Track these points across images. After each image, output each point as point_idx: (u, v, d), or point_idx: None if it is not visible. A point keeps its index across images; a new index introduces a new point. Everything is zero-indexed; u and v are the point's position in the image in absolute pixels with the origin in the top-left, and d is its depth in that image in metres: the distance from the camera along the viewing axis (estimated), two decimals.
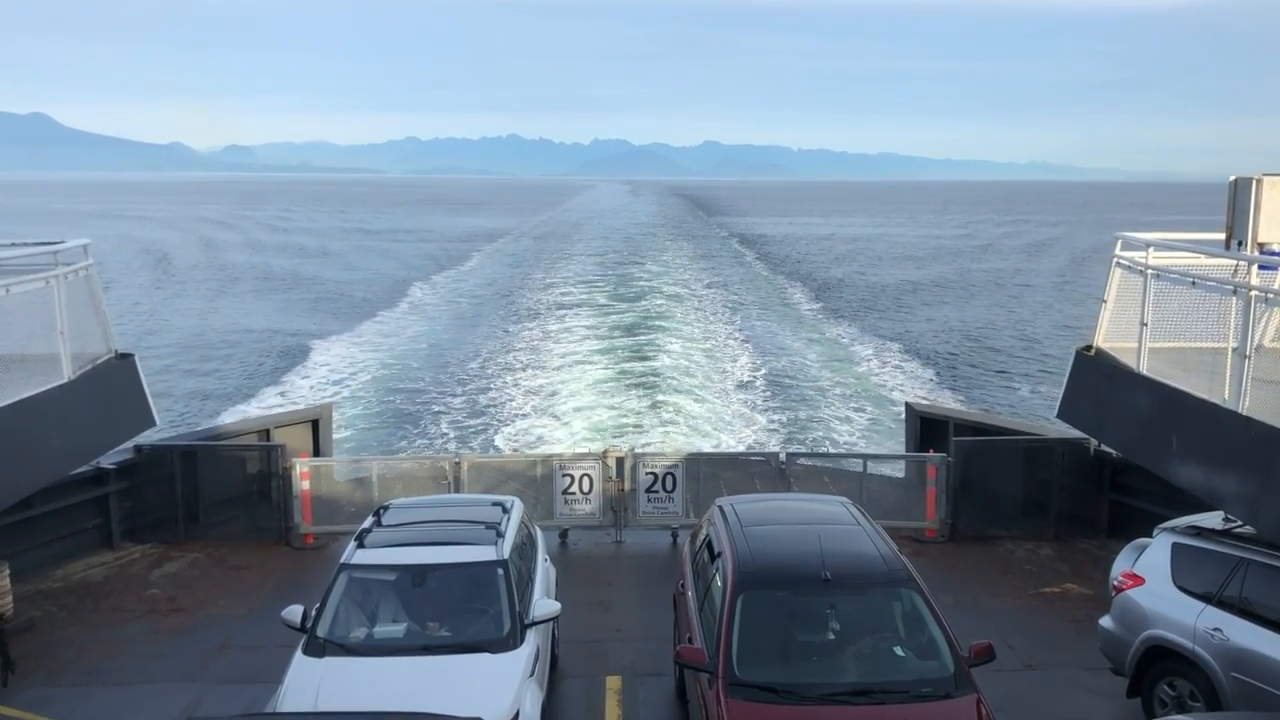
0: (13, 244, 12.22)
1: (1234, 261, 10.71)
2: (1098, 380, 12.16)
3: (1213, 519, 10.08)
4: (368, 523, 10.66)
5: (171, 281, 72.26)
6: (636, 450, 18.11)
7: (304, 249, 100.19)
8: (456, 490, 15.68)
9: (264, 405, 33.76)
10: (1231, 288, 9.67)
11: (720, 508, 10.69)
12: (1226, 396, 9.13)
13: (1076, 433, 14.77)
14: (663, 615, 11.99)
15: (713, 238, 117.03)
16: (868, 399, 35.96)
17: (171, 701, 10.76)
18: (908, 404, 21.52)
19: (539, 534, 12.22)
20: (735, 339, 46.86)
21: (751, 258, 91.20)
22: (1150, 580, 10.07)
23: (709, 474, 16.34)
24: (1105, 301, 12.26)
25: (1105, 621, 10.55)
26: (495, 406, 33.94)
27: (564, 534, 16.10)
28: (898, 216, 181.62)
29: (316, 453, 17.97)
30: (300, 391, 36.49)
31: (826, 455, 23.33)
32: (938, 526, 15.90)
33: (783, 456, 16.60)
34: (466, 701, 7.82)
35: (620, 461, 16.12)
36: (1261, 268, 9.85)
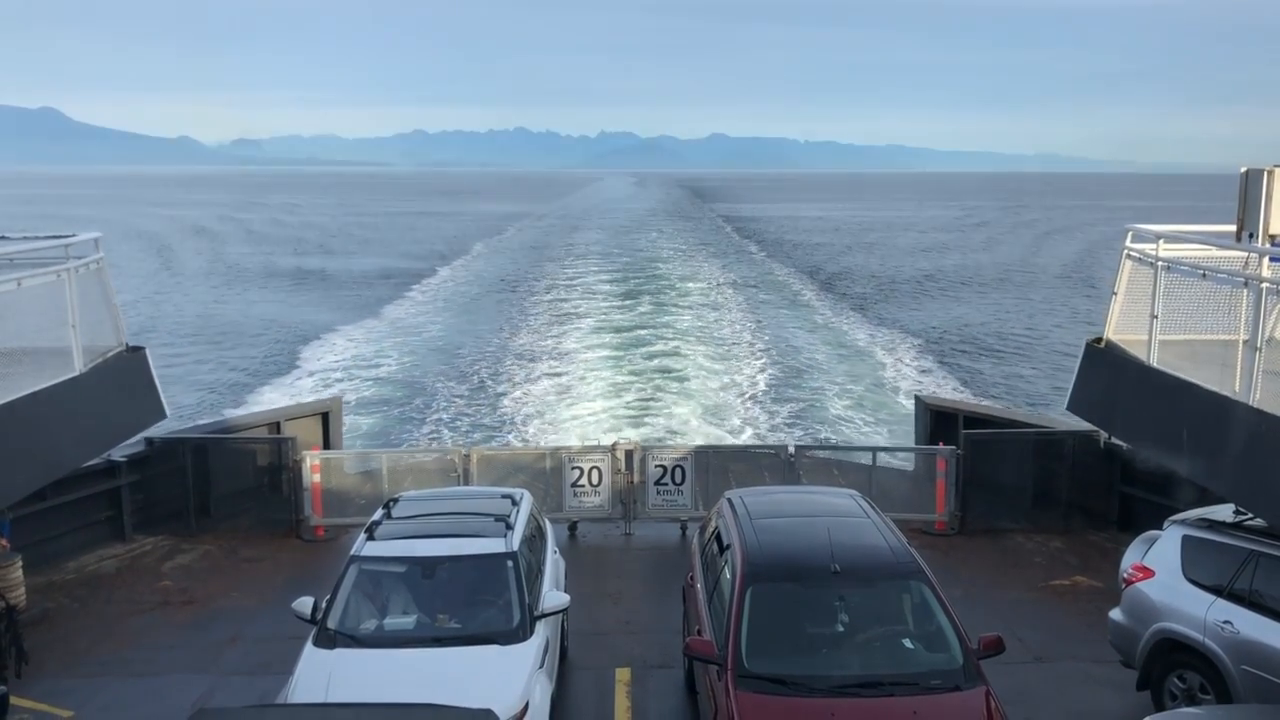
0: (24, 237, 12.27)
1: (1245, 253, 10.65)
2: (1108, 373, 12.13)
3: (1223, 511, 10.05)
4: (378, 515, 10.71)
5: (183, 273, 72.48)
6: (645, 443, 18.12)
7: (319, 239, 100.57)
8: (466, 483, 15.73)
9: (274, 398, 33.85)
10: (1243, 280, 9.62)
11: (729, 500, 10.71)
12: (1237, 389, 9.09)
13: (1086, 425, 14.73)
14: (672, 607, 12.02)
15: (715, 229, 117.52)
16: (877, 391, 35.91)
17: (183, 692, 10.82)
18: (917, 396, 21.50)
19: (548, 526, 12.25)
20: (744, 331, 46.81)
21: (755, 249, 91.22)
22: (1160, 573, 10.05)
23: (718, 466, 16.36)
24: (1115, 294, 12.21)
25: (1115, 614, 10.54)
26: (505, 399, 33.98)
27: (573, 526, 16.13)
28: (909, 207, 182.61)
29: (327, 445, 18.03)
30: (310, 384, 36.58)
31: (835, 448, 23.34)
32: (947, 519, 15.89)
33: (792, 449, 16.61)
34: (476, 693, 7.86)
35: (629, 454, 16.13)
36: (1273, 259, 9.78)
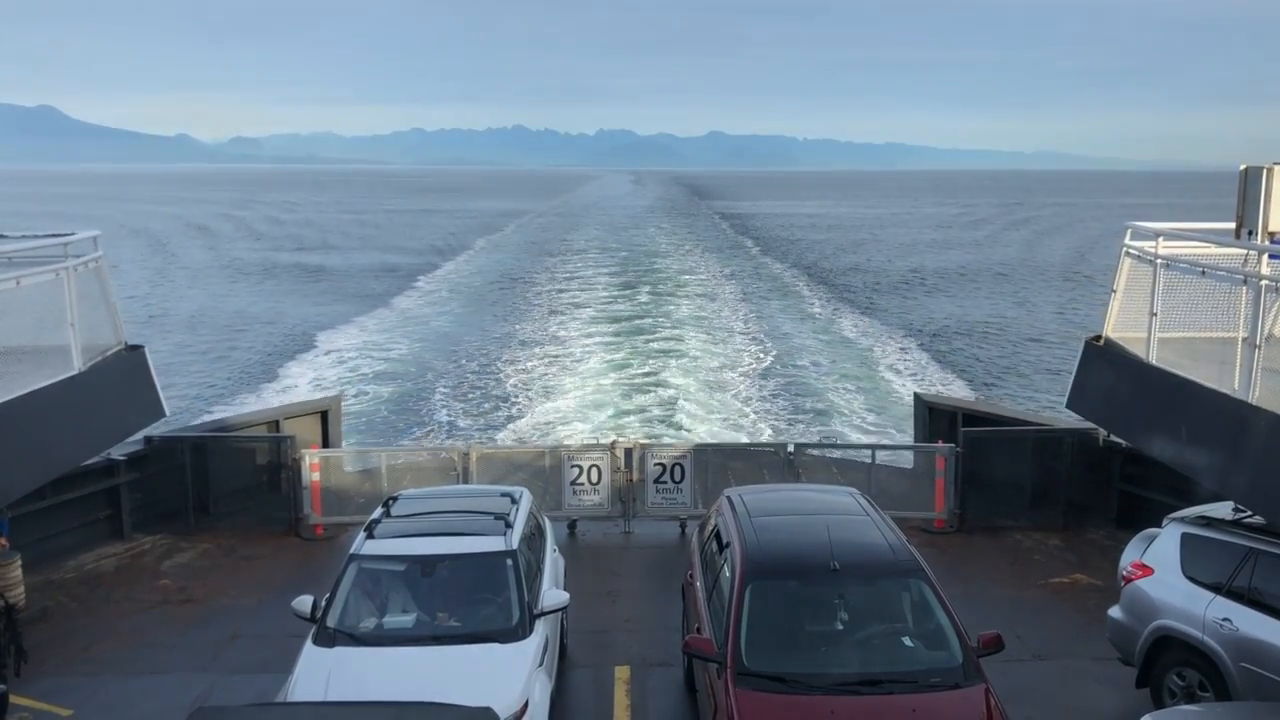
0: (23, 236, 12.25)
1: (1244, 251, 10.65)
2: (1107, 370, 12.13)
3: (1222, 509, 10.06)
4: (377, 513, 10.70)
5: (181, 271, 72.41)
6: (644, 441, 18.12)
7: (319, 236, 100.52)
8: (465, 481, 15.73)
9: (273, 396, 33.85)
10: (1242, 277, 9.63)
11: (729, 498, 10.72)
12: (1236, 386, 9.10)
13: (1085, 423, 14.74)
14: (671, 605, 12.02)
15: (713, 226, 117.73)
16: (876, 389, 35.93)
17: (182, 691, 10.82)
18: (916, 394, 21.50)
19: (547, 524, 12.25)
20: (743, 330, 46.85)
21: (751, 244, 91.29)
22: (1159, 570, 10.06)
23: (717, 465, 16.36)
24: (1114, 291, 12.21)
25: (1114, 612, 10.55)
26: (504, 397, 33.99)
27: (572, 524, 16.12)
28: (907, 204, 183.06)
29: (326, 444, 18.01)
30: (310, 382, 36.58)
31: (835, 446, 23.33)
32: (946, 517, 15.90)
33: (791, 447, 16.62)
34: (476, 691, 7.86)
35: (628, 452, 16.13)
36: (1272, 257, 9.78)
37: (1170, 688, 9.78)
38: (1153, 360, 10.85)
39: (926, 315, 52.73)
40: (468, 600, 9.64)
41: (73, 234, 11.92)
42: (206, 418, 27.79)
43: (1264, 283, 9.08)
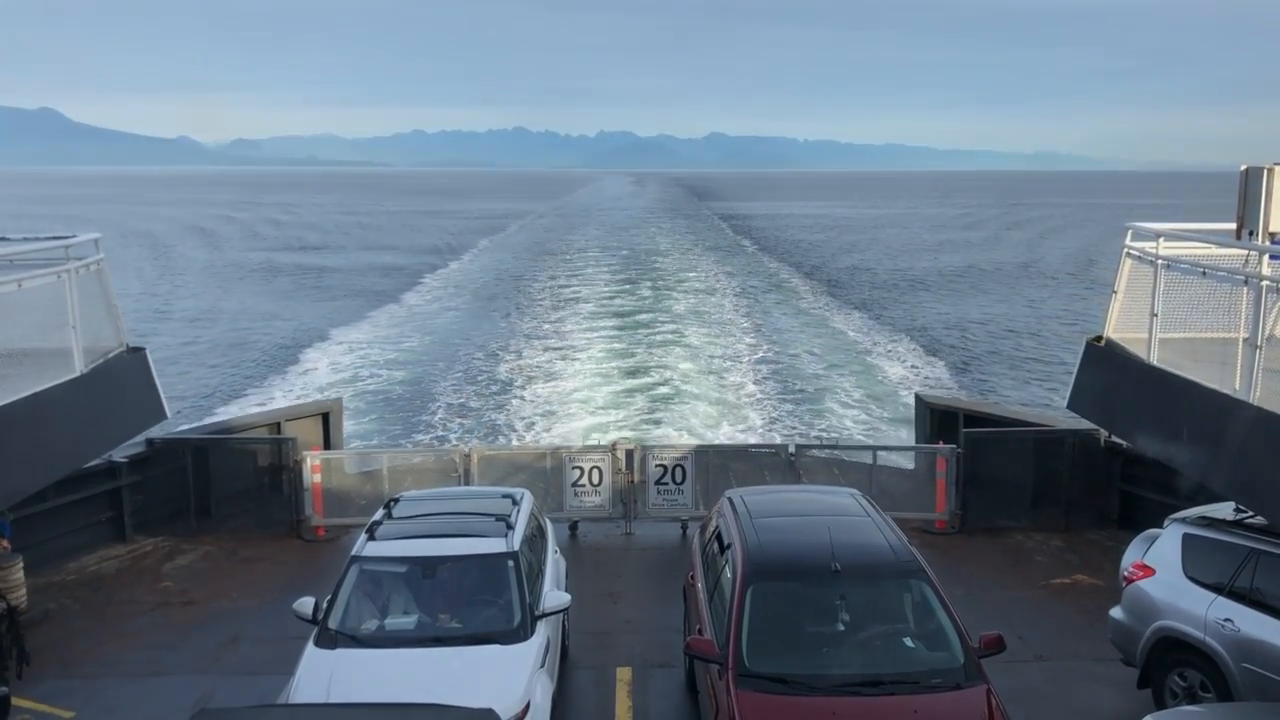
0: (25, 238, 12.26)
1: (1245, 251, 10.64)
2: (1108, 371, 12.13)
3: (1224, 510, 10.06)
4: (378, 515, 10.72)
5: (183, 273, 72.43)
6: (646, 442, 18.12)
7: (320, 238, 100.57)
8: (466, 483, 15.74)
9: (275, 398, 33.86)
10: (1243, 278, 9.63)
11: (730, 499, 10.72)
12: (1237, 387, 9.09)
13: (1087, 424, 14.73)
14: (673, 607, 12.02)
15: (712, 227, 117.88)
16: (877, 390, 35.91)
17: (184, 693, 10.82)
18: (917, 395, 21.49)
19: (549, 526, 12.26)
20: (744, 330, 46.83)
21: (749, 244, 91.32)
22: (1161, 571, 10.06)
23: (718, 466, 16.37)
24: (1115, 292, 12.21)
25: (1116, 612, 10.55)
26: (505, 399, 33.98)
27: (574, 526, 16.13)
28: (906, 205, 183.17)
29: (327, 446, 18.02)
30: (311, 385, 36.59)
31: (836, 447, 23.31)
32: (947, 518, 15.90)
33: (792, 448, 16.63)
34: (478, 693, 7.88)
35: (630, 453, 16.14)
36: (1273, 257, 9.78)
37: (1172, 688, 9.78)
38: (1153, 361, 10.85)
39: (927, 315, 52.72)
40: (469, 602, 9.65)
41: (74, 236, 11.92)
42: (208, 420, 27.79)
43: (1265, 283, 9.08)
